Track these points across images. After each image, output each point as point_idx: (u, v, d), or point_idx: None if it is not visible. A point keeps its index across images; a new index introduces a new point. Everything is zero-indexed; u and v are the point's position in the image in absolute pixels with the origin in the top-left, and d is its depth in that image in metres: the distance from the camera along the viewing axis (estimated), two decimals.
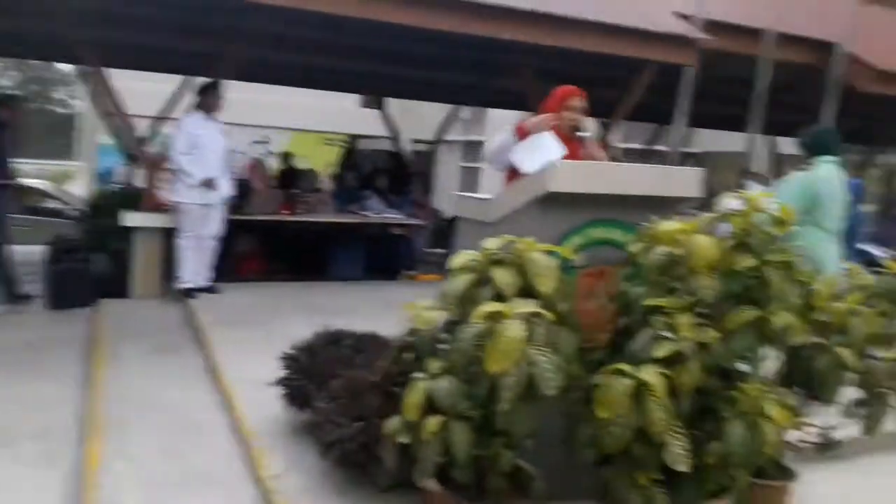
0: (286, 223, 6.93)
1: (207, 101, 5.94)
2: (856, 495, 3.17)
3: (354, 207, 7.52)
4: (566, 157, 3.53)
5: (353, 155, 9.34)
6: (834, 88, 7.53)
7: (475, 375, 2.16)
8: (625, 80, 7.28)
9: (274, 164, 10.26)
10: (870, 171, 11.01)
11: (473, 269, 2.34)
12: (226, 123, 6.15)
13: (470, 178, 20.46)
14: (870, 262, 6.10)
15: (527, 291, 2.26)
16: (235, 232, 6.41)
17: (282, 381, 3.20)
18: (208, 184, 5.73)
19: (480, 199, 3.19)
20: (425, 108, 15.91)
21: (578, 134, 3.64)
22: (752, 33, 7.34)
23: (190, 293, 5.74)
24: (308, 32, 6.95)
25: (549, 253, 2.34)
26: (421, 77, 10.49)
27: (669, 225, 2.45)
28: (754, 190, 5.99)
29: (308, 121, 18.68)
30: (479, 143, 20.05)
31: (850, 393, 2.57)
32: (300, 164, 9.91)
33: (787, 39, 7.55)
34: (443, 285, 2.37)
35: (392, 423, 2.27)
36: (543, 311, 2.15)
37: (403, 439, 2.19)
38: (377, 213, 7.53)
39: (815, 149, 4.53)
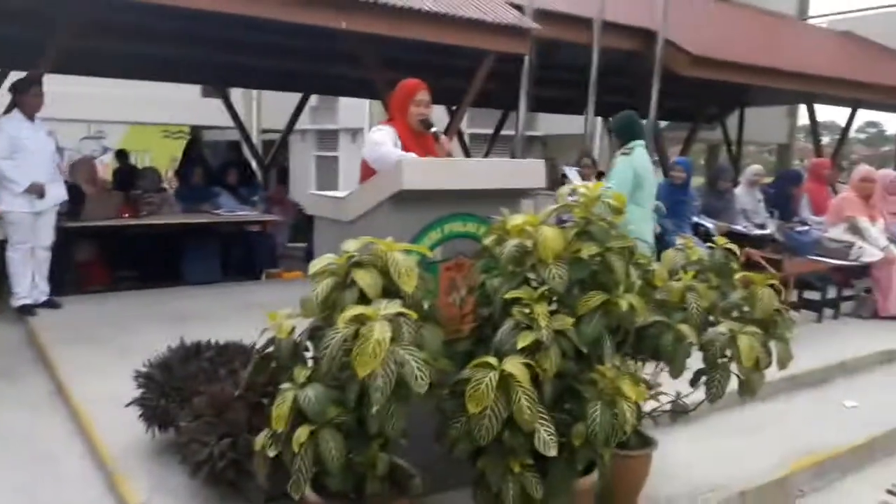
0: (129, 227, 6.55)
1: (25, 100, 5.40)
2: (706, 453, 3.48)
3: (205, 206, 7.22)
4: (421, 153, 3.58)
5: (198, 148, 8.92)
6: (657, 72, 8.11)
7: (344, 380, 2.17)
8: (469, 68, 7.46)
9: (110, 162, 9.65)
10: (693, 147, 11.94)
11: (334, 273, 2.34)
12: (53, 120, 5.69)
13: (326, 168, 20.19)
14: (705, 234, 6.68)
15: (390, 291, 2.30)
16: (74, 240, 5.98)
17: (139, 401, 3.04)
18: (36, 190, 5.29)
19: (336, 197, 3.17)
20: (272, 96, 15.48)
21: (433, 130, 3.67)
22: (581, 22, 7.75)
23: (27, 310, 5.29)
24: (136, 19, 6.58)
25: (409, 251, 2.38)
26: (260, 66, 10.22)
27: (518, 218, 2.57)
28: (575, 179, 6.42)
29: (145, 113, 17.66)
30: (333, 132, 19.81)
31: (696, 362, 2.80)
32: (140, 160, 9.38)
33: (613, 27, 8.04)
34: (305, 287, 2.35)
35: (261, 437, 2.23)
36: (408, 311, 2.19)
37: (274, 452, 2.16)
38: (230, 210, 7.27)
39: (626, 134, 4.90)
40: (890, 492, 3.42)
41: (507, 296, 2.44)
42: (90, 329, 4.92)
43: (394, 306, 2.17)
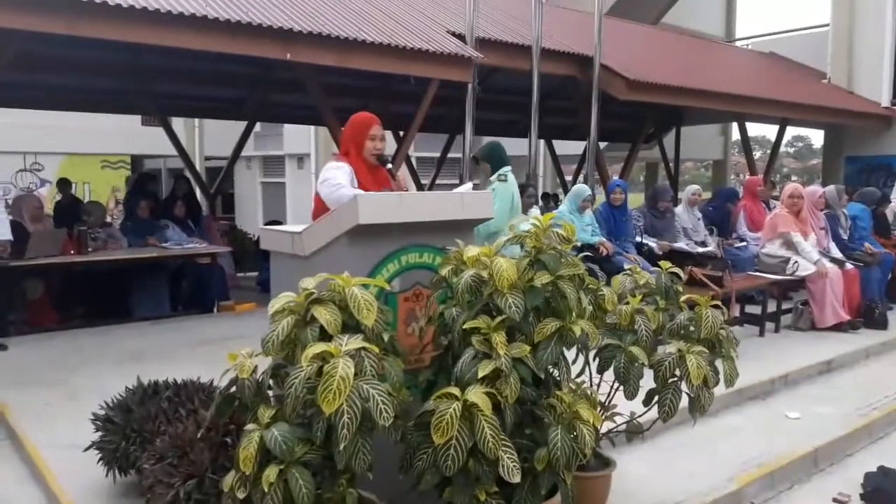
0: (76, 264, 6.40)
1: None
2: (662, 470, 3.59)
3: (153, 240, 7.11)
4: (377, 187, 3.62)
5: (151, 183, 8.80)
6: (595, 96, 8.38)
7: (309, 418, 2.20)
8: (414, 93, 7.58)
9: (48, 194, 9.42)
10: (631, 168, 12.29)
11: (293, 311, 2.37)
12: None
13: (273, 194, 20.03)
14: (649, 253, 6.89)
15: (349, 326, 2.34)
16: (18, 279, 5.82)
17: (98, 444, 3.00)
18: None
19: (292, 232, 3.20)
20: (215, 123, 15.34)
21: (389, 167, 3.72)
22: (520, 49, 7.99)
23: None
24: (73, 51, 6.52)
25: (366, 285, 2.43)
26: (203, 95, 10.18)
27: (474, 249, 2.65)
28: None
29: (83, 143, 17.28)
30: (279, 158, 19.69)
31: (648, 382, 2.90)
32: (80, 191, 9.17)
33: (551, 54, 8.30)
34: (259, 319, 2.37)
35: (229, 478, 2.24)
36: (369, 345, 2.23)
37: (243, 494, 2.17)
38: (178, 243, 7.17)
39: (497, 162, 5.26)
40: (836, 500, 3.57)
41: (466, 326, 2.51)
42: (39, 371, 4.81)
43: (355, 342, 2.21)
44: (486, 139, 18.86)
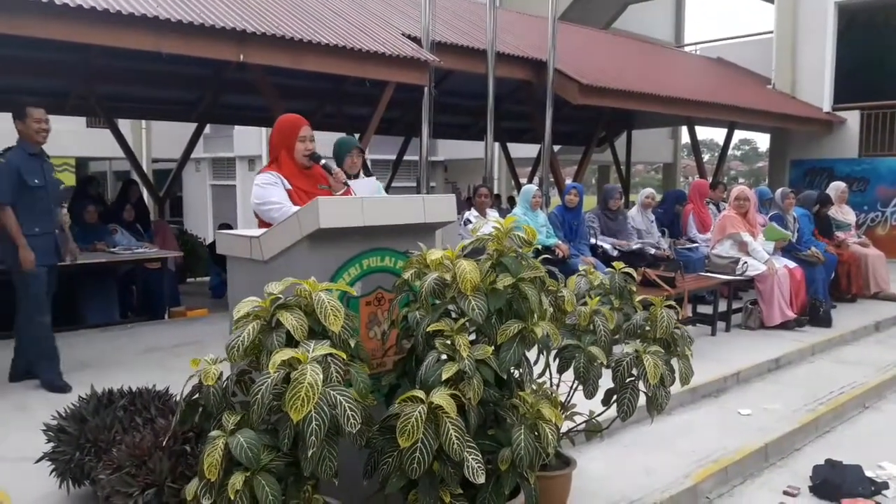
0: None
1: None
2: (620, 468, 3.66)
3: (101, 244, 6.92)
4: (312, 186, 3.59)
5: (94, 186, 8.56)
6: (549, 100, 8.48)
7: (275, 424, 2.18)
8: (369, 96, 7.56)
9: None
10: (584, 171, 12.43)
11: (258, 316, 2.34)
12: None
13: (223, 197, 19.72)
14: (603, 255, 6.99)
15: (315, 331, 2.33)
16: None
17: (50, 456, 2.91)
18: None
19: (249, 236, 3.15)
20: (162, 124, 15.03)
21: (323, 163, 3.67)
22: (476, 53, 8.04)
23: None
24: (7, 51, 6.32)
25: (329, 289, 2.41)
26: (152, 96, 9.97)
27: (437, 252, 2.66)
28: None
29: None
30: (229, 160, 19.40)
31: (606, 381, 2.95)
32: None
33: (506, 58, 8.38)
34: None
35: (192, 486, 2.20)
36: (336, 351, 2.22)
37: (208, 501, 2.13)
38: (127, 248, 7.00)
39: (339, 153, 4.94)
40: (786, 493, 3.68)
41: (430, 328, 2.51)
42: None
43: (323, 348, 2.20)
44: (442, 142, 18.94)
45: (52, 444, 2.95)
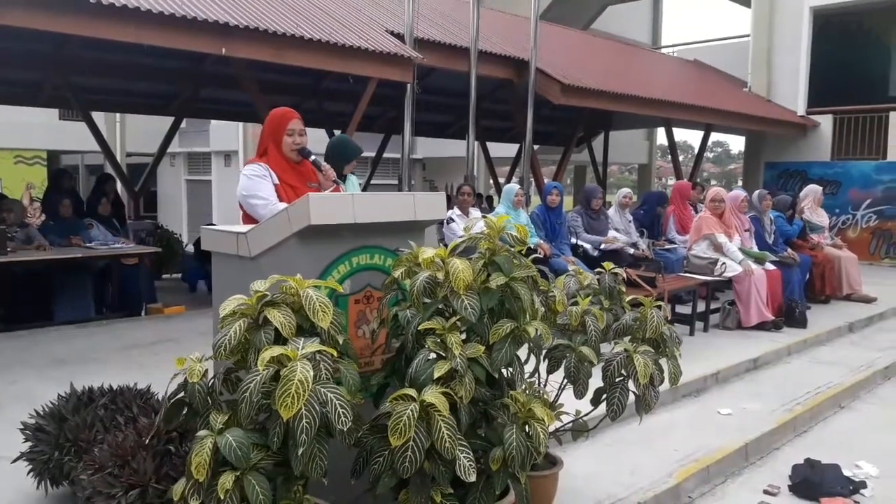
0: None
1: None
2: (604, 467, 3.66)
3: (77, 239, 6.79)
4: (300, 182, 3.54)
5: (68, 179, 8.40)
6: (531, 99, 8.49)
7: (263, 423, 2.14)
8: (352, 92, 7.50)
9: None
10: (564, 170, 12.48)
11: (245, 314, 2.30)
12: None
13: (199, 192, 19.48)
14: (584, 255, 7.01)
15: (304, 329, 2.29)
16: None
17: (27, 456, 2.84)
18: None
19: (235, 232, 3.10)
20: (137, 118, 14.81)
21: (312, 158, 3.62)
22: (459, 51, 8.02)
23: None
24: None
25: (318, 286, 2.38)
26: (129, 89, 9.82)
27: (429, 251, 2.63)
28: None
29: None
30: (205, 155, 19.17)
31: (598, 380, 2.95)
32: None
33: (488, 56, 8.37)
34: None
35: (179, 486, 2.15)
36: (326, 349, 2.19)
37: (196, 501, 2.09)
38: (102, 243, 6.88)
39: (341, 158, 4.94)
40: (766, 492, 3.71)
41: (421, 327, 2.49)
42: None
43: (312, 345, 2.16)
44: (420, 140, 18.87)
45: (29, 444, 2.87)
